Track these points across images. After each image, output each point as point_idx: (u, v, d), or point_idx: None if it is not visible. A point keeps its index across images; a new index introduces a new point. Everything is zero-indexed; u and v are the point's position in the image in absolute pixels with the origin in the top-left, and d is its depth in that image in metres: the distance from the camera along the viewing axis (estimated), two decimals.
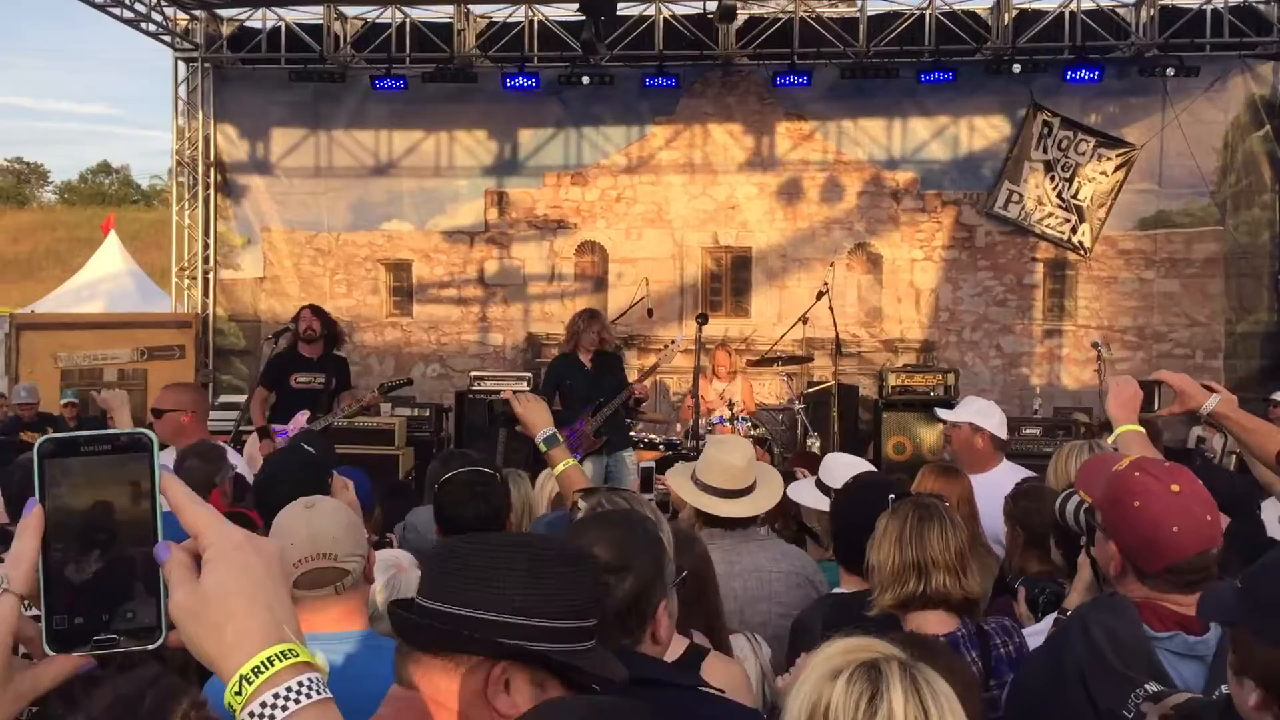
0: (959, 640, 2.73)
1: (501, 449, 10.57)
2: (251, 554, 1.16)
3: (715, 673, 2.66)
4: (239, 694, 1.11)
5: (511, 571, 1.59)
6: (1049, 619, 2.81)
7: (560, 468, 3.53)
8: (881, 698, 1.57)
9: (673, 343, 9.24)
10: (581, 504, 2.72)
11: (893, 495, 2.95)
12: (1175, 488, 2.43)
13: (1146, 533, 2.41)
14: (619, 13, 13.10)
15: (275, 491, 3.05)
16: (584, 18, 10.78)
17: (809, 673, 1.66)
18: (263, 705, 1.10)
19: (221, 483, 4.16)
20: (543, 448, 3.62)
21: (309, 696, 1.11)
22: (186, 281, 14.29)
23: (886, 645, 1.68)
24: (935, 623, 2.77)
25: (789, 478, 4.55)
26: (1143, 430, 3.29)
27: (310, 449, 3.47)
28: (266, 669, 1.11)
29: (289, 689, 1.11)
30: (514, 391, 4.38)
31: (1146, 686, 2.18)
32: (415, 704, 1.59)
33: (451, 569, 1.61)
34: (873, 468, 4.30)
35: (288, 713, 1.10)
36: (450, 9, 13.33)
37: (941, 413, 5.55)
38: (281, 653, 1.12)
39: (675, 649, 2.66)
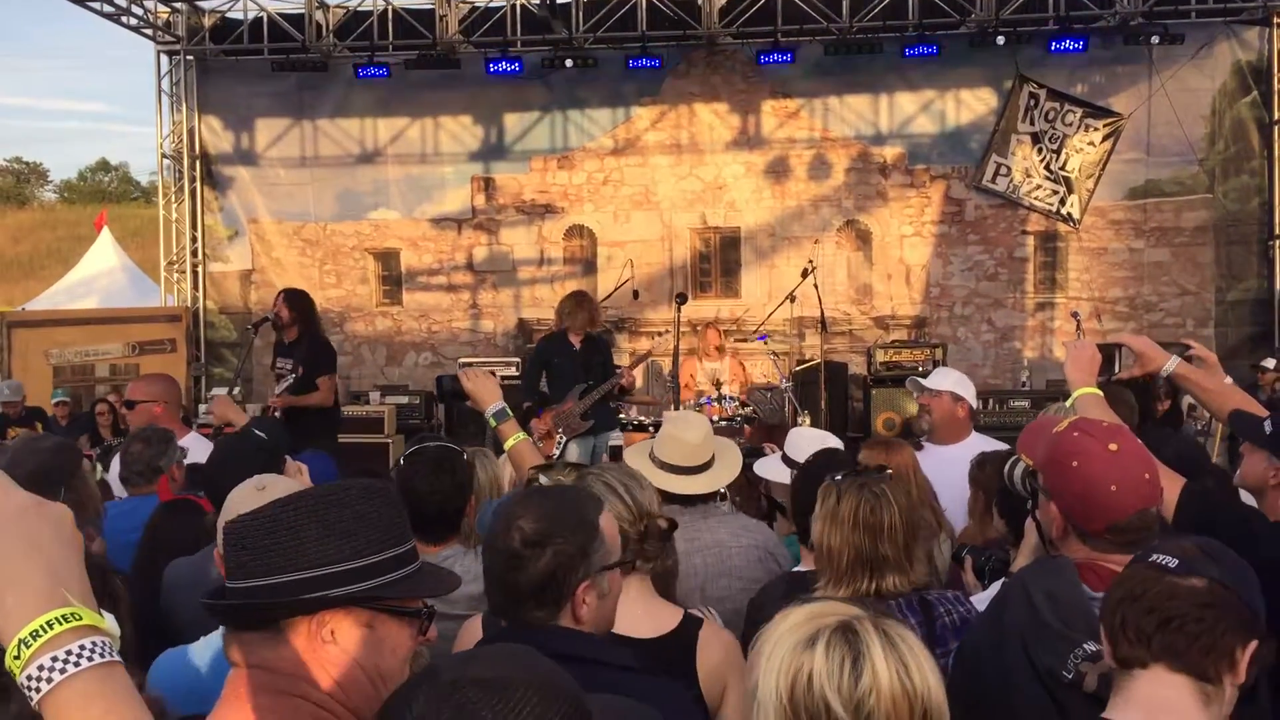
0: (899, 606, 2.72)
1: (492, 433, 10.59)
2: (34, 520, 1.17)
3: (713, 643, 2.70)
4: (18, 658, 1.11)
5: (300, 528, 1.56)
6: (996, 585, 2.79)
7: (511, 442, 3.51)
8: (864, 659, 1.56)
9: (666, 331, 9.21)
10: (542, 479, 2.71)
11: (839, 476, 2.90)
12: (1113, 447, 2.42)
13: (1085, 492, 2.40)
14: None
15: (225, 475, 3.03)
16: None
17: (775, 645, 1.62)
18: (40, 669, 1.10)
19: (169, 468, 4.14)
20: (492, 423, 3.61)
21: (90, 660, 1.12)
22: (176, 275, 14.28)
23: (849, 607, 1.66)
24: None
25: (757, 453, 4.54)
26: (1100, 393, 3.27)
27: (262, 434, 3.46)
28: (45, 632, 1.11)
29: (69, 652, 1.11)
30: (466, 365, 4.35)
31: (1086, 646, 2.17)
32: (253, 680, 1.57)
33: (249, 545, 1.58)
34: (838, 442, 4.27)
35: (66, 675, 1.10)
36: None
37: (925, 381, 5.50)
38: (63, 616, 1.12)
39: (670, 618, 2.70)
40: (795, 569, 3.41)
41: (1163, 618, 1.90)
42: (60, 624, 1.12)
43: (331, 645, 1.56)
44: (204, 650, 2.50)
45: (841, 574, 2.76)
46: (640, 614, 2.64)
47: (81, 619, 1.13)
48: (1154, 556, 1.98)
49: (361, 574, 1.57)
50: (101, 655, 1.12)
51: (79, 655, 1.11)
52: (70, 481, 3.07)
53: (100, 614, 1.16)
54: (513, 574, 2.08)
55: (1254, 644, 1.90)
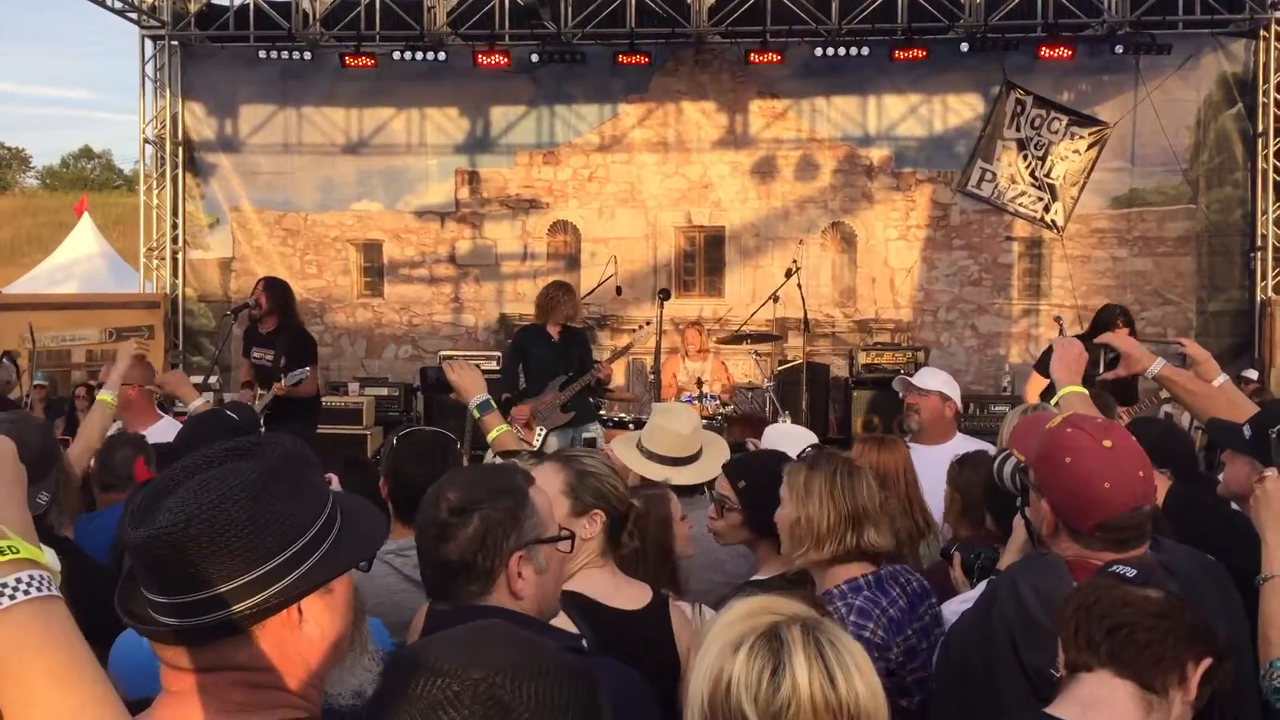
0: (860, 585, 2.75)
1: (470, 427, 10.52)
2: None
3: (679, 613, 2.78)
4: None
5: (249, 522, 1.39)
6: (985, 583, 2.76)
7: (494, 433, 3.49)
8: (784, 669, 1.52)
9: (646, 324, 9.18)
10: (498, 459, 2.69)
11: (809, 447, 2.93)
12: (1107, 443, 2.39)
13: (1077, 489, 2.37)
14: None
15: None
16: None
17: (711, 641, 1.60)
18: None
19: (138, 460, 4.11)
20: (476, 414, 3.58)
21: (27, 593, 1.08)
22: (155, 262, 14.16)
23: (790, 603, 1.62)
24: (855, 571, 2.76)
25: (741, 449, 4.50)
26: (1085, 391, 3.26)
27: (234, 415, 3.40)
28: None
29: (4, 585, 1.08)
30: (446, 358, 4.31)
31: None
32: (217, 680, 1.43)
33: (194, 553, 1.37)
34: (814, 438, 4.24)
35: (1, 608, 1.07)
36: None
37: (914, 380, 5.48)
38: None
39: (644, 593, 2.76)
40: (753, 578, 3.31)
41: (1114, 624, 1.90)
42: None
43: (307, 625, 1.45)
44: None
45: (823, 536, 2.78)
46: (617, 587, 2.71)
47: (19, 552, 1.10)
48: (1114, 567, 1.99)
49: (314, 544, 1.45)
50: (39, 589, 1.09)
51: (14, 588, 1.08)
52: (60, 463, 3.05)
53: (40, 548, 1.12)
54: (442, 545, 2.05)
55: (1207, 662, 1.88)
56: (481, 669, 1.33)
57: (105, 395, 4.70)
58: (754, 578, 3.33)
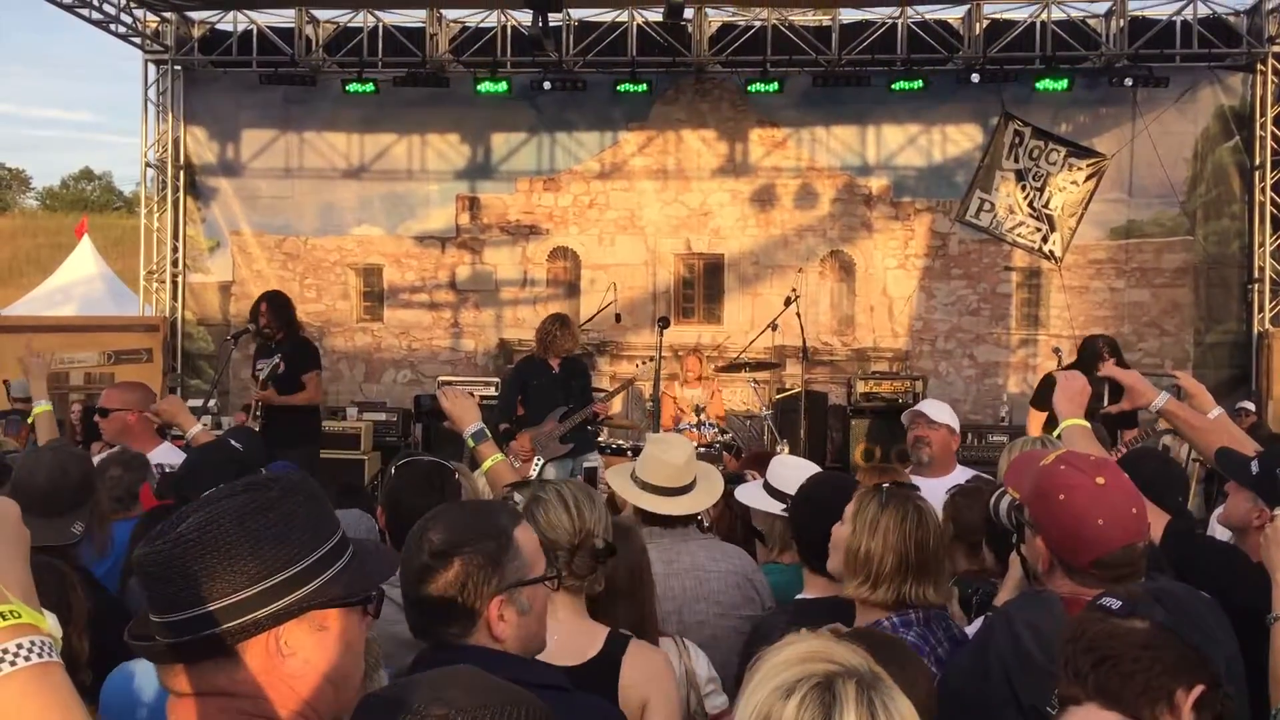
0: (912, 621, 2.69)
1: (469, 453, 10.50)
2: None
3: (636, 661, 2.62)
4: None
5: (230, 546, 1.45)
6: (981, 619, 2.76)
7: (488, 464, 3.48)
8: None
9: (648, 360, 9.17)
10: (517, 496, 2.67)
11: (885, 484, 2.87)
12: (1100, 480, 2.40)
13: (1072, 526, 2.38)
14: (591, 19, 13.11)
15: (195, 486, 2.98)
16: (531, 12, 10.49)
17: (762, 678, 1.58)
18: None
19: (144, 485, 4.09)
20: (470, 443, 3.57)
21: (27, 659, 1.09)
22: (155, 285, 14.18)
23: (846, 652, 1.59)
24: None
25: (739, 479, 4.50)
26: (1088, 425, 3.27)
27: (237, 444, 3.40)
28: None
29: (5, 650, 1.08)
30: (445, 384, 4.32)
31: None
32: (208, 705, 1.48)
33: (175, 575, 1.45)
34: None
35: (1, 674, 1.07)
36: (422, 13, 13.28)
37: (927, 411, 5.44)
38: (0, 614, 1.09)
39: (597, 637, 2.63)
40: (801, 596, 3.31)
41: (1099, 657, 1.89)
42: None
43: (292, 658, 1.48)
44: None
45: (881, 577, 2.71)
46: (563, 639, 2.53)
47: (20, 617, 1.10)
48: (1102, 600, 1.99)
49: (305, 576, 1.49)
50: (40, 655, 1.10)
51: (15, 654, 1.09)
52: (96, 495, 3.07)
53: (41, 613, 1.13)
54: (423, 588, 2.01)
55: (1199, 689, 1.86)
56: (444, 705, 1.38)
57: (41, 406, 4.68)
58: (800, 596, 3.30)
